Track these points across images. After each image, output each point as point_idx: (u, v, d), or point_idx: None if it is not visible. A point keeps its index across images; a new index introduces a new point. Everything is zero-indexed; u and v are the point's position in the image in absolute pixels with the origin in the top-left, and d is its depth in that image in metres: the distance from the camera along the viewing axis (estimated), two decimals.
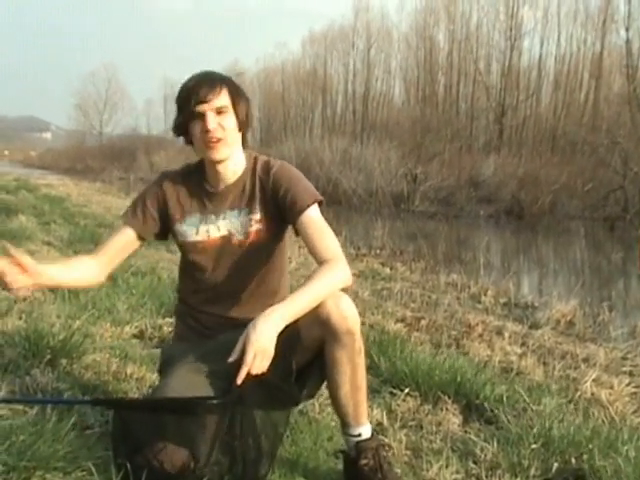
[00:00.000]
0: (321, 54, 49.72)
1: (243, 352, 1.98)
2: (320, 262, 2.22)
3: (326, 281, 2.16)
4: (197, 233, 2.38)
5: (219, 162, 2.32)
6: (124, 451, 2.11)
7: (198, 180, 2.41)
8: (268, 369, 2.01)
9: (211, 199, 2.39)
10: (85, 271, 2.35)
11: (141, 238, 2.43)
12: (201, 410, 2.07)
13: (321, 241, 2.25)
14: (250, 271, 2.40)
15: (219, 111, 2.24)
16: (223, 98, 2.25)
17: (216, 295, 2.41)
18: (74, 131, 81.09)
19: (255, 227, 2.37)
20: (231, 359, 1.99)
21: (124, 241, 2.41)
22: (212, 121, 2.22)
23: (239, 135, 2.34)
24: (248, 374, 1.98)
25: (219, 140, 2.25)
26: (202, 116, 2.23)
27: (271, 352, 2.00)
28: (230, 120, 2.26)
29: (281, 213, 2.34)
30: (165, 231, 2.45)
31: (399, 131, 32.14)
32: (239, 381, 1.97)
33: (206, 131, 2.23)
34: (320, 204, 2.33)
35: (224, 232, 2.37)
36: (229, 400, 2.04)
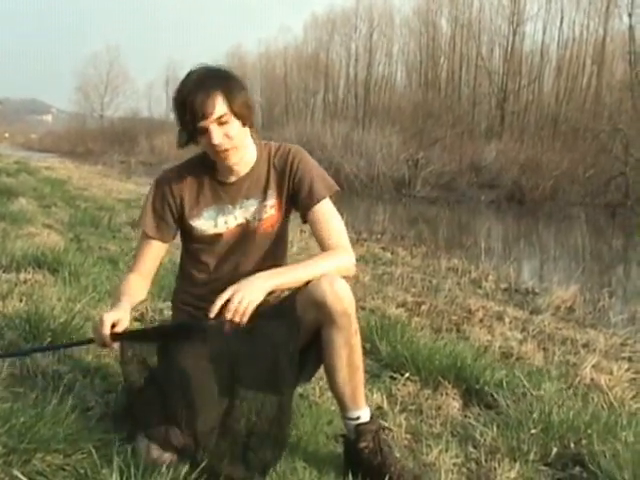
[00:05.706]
0: (323, 38, 49.58)
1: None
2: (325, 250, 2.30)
3: (328, 263, 2.23)
4: (216, 225, 2.38)
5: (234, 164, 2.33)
6: (126, 431, 2.12)
7: (208, 172, 2.39)
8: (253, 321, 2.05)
9: (226, 190, 2.38)
10: (142, 291, 2.47)
11: (166, 242, 2.46)
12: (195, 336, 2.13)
13: (330, 232, 2.33)
14: (261, 256, 2.41)
15: (220, 122, 2.20)
16: (220, 107, 2.19)
17: (224, 284, 2.31)
18: (75, 114, 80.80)
19: (269, 213, 2.39)
20: (211, 315, 2.06)
21: (154, 253, 2.47)
22: (217, 135, 2.21)
23: (246, 130, 2.31)
24: (231, 321, 2.03)
25: (228, 149, 2.25)
26: (206, 130, 2.21)
27: (253, 301, 2.05)
28: (234, 126, 2.23)
29: (294, 197, 2.38)
30: (184, 229, 2.44)
31: (401, 116, 32.13)
32: (212, 315, 2.05)
33: (213, 144, 2.22)
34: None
35: (241, 220, 2.38)
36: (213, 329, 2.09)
